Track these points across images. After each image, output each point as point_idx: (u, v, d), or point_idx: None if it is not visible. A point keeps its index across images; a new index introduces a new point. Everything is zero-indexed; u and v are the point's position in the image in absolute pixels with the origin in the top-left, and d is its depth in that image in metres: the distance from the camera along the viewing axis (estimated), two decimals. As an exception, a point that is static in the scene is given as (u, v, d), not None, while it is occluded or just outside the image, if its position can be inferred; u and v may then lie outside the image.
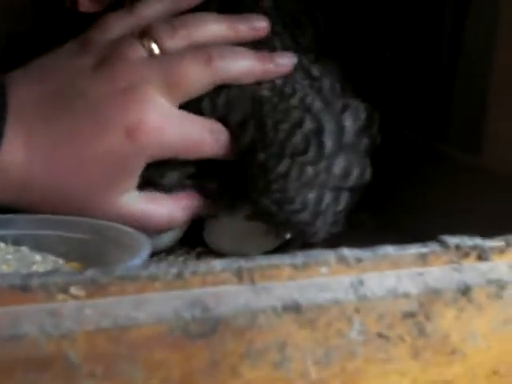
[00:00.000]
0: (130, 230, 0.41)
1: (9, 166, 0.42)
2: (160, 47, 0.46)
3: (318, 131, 0.46)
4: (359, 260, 0.28)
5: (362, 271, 0.28)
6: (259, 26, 0.47)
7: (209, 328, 0.26)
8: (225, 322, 0.27)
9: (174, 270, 0.26)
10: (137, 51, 0.45)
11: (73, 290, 0.25)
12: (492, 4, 0.51)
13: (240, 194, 0.50)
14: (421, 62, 0.57)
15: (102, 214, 0.44)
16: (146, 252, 0.37)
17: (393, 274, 0.29)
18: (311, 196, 0.46)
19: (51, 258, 0.40)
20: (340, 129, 0.47)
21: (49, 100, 0.44)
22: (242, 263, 0.27)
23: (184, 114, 0.45)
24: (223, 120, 0.46)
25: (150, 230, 0.45)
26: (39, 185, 0.43)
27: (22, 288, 0.24)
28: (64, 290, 0.25)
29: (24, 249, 0.41)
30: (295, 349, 0.28)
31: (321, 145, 0.46)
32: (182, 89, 0.44)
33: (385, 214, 0.58)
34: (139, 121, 0.43)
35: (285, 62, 0.47)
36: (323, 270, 0.28)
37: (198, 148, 0.45)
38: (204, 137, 0.45)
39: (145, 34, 0.46)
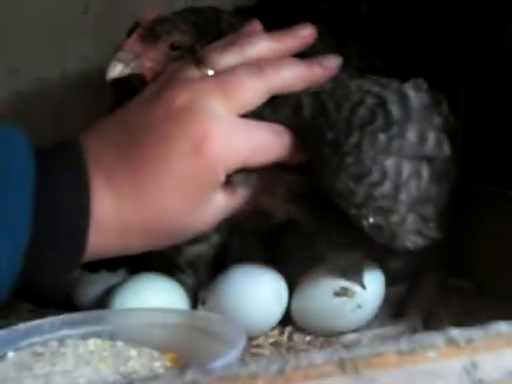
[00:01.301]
0: (223, 318, 0.40)
1: (103, 214, 0.43)
2: (213, 69, 0.46)
3: (382, 103, 0.45)
4: (470, 341, 0.26)
5: (474, 353, 0.26)
6: (305, 33, 0.48)
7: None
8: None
9: (275, 367, 0.25)
10: (191, 73, 0.46)
11: (174, 394, 0.24)
12: None
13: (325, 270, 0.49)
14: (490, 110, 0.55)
15: (198, 229, 0.45)
16: (241, 343, 0.36)
17: (509, 353, 0.27)
18: (389, 163, 0.44)
19: (146, 350, 0.40)
20: (404, 98, 0.45)
21: (118, 140, 0.45)
22: (344, 354, 0.26)
23: (245, 120, 0.45)
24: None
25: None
26: (134, 223, 0.43)
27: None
28: (165, 395, 0.24)
29: (119, 344, 0.41)
30: None
31: (388, 113, 0.45)
32: (239, 99, 0.45)
33: (480, 276, 0.55)
34: (204, 135, 0.43)
35: (331, 63, 0.47)
36: (431, 354, 0.26)
37: (265, 152, 0.45)
38: (269, 139, 0.45)
39: (199, 60, 0.47)
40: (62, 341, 0.40)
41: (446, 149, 0.46)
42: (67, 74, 0.66)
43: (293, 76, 0.46)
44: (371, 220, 0.44)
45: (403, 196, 0.44)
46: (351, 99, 0.45)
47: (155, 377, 0.24)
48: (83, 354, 0.38)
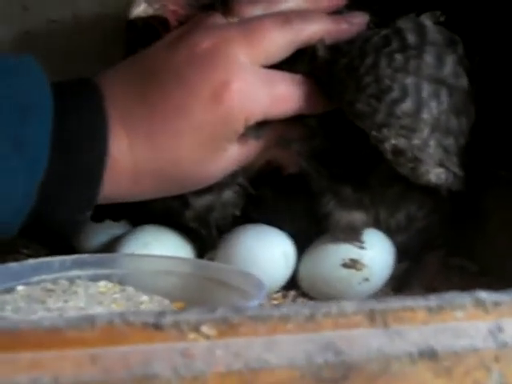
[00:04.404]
0: (241, 270, 0.40)
1: (117, 154, 0.42)
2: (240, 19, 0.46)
3: (397, 30, 0.45)
4: (497, 304, 0.27)
5: (499, 316, 0.27)
6: None
7: (341, 374, 0.25)
8: (357, 368, 0.25)
9: (306, 312, 0.25)
10: (217, 19, 0.46)
11: (204, 329, 0.24)
12: None
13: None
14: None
15: (210, 178, 0.45)
16: (263, 294, 0.36)
17: (533, 319, 0.27)
18: (409, 81, 0.43)
19: (157, 297, 0.40)
20: (421, 26, 0.45)
21: (137, 80, 0.44)
22: (375, 305, 0.26)
23: (269, 70, 0.45)
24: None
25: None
26: (146, 168, 0.43)
27: (155, 326, 0.24)
28: (195, 329, 0.24)
29: (129, 288, 0.41)
30: (430, 398, 0.26)
31: (403, 39, 0.44)
32: (263, 49, 0.44)
33: (483, 257, 0.55)
34: (225, 82, 0.42)
35: (357, 20, 0.47)
36: (459, 314, 0.26)
37: (286, 103, 0.45)
38: (290, 90, 0.45)
39: (227, 9, 0.46)
40: (71, 280, 0.40)
41: (464, 82, 0.46)
42: (79, 17, 0.65)
43: (319, 30, 0.46)
44: (393, 141, 0.43)
45: (425, 114, 0.43)
46: (364, 34, 0.45)
47: (185, 310, 0.24)
48: (95, 294, 0.38)
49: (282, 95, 0.44)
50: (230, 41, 0.43)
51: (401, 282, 0.53)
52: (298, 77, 0.45)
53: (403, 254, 0.52)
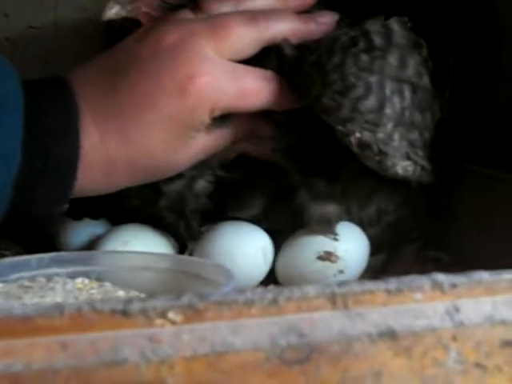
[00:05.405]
0: (213, 263, 0.41)
1: (89, 148, 0.43)
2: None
3: (364, 33, 0.46)
4: (454, 286, 0.28)
5: (456, 297, 0.28)
6: None
7: (304, 355, 0.26)
8: (320, 349, 0.26)
9: (269, 296, 0.26)
10: (185, 15, 0.47)
11: (171, 314, 0.25)
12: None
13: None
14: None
15: (181, 166, 0.46)
16: (231, 284, 0.37)
17: (489, 300, 0.28)
18: (372, 80, 0.45)
19: (133, 292, 0.41)
20: (388, 30, 0.47)
21: (107, 75, 0.45)
22: (336, 289, 0.27)
23: (235, 64, 0.46)
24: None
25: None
26: (119, 158, 0.44)
27: (123, 313, 0.25)
28: (162, 315, 0.25)
29: (107, 284, 0.42)
30: (391, 377, 0.27)
31: (369, 41, 0.46)
32: (229, 44, 0.45)
33: (455, 248, 0.56)
34: (190, 74, 0.43)
35: (326, 20, 0.48)
36: (417, 295, 0.27)
37: (254, 97, 0.45)
38: (258, 84, 0.46)
39: (195, 6, 0.47)
40: (49, 277, 0.41)
41: (427, 81, 0.48)
42: (60, 23, 0.66)
43: (285, 29, 0.47)
44: (358, 135, 0.44)
45: (388, 110, 0.45)
46: (333, 34, 0.47)
47: (153, 297, 0.25)
48: (72, 290, 0.39)
49: (249, 88, 0.45)
50: (196, 34, 0.44)
51: (377, 275, 0.54)
52: (266, 72, 0.46)
53: (377, 247, 0.53)
